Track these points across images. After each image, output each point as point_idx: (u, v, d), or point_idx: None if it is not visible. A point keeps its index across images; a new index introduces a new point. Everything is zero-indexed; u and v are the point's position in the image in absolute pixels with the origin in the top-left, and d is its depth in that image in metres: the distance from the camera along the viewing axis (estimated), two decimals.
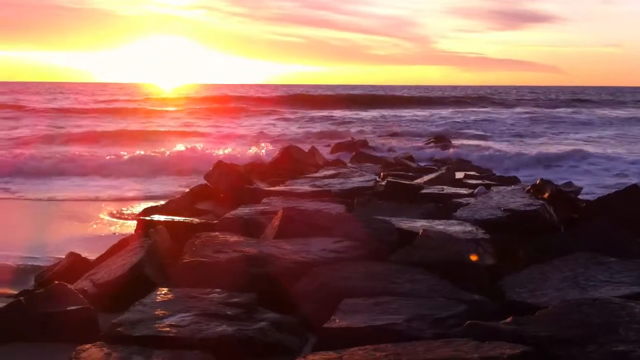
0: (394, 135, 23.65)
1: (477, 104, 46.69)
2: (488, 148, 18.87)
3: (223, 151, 16.11)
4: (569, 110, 39.59)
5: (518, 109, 39.46)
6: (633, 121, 31.84)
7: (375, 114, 34.70)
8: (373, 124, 28.83)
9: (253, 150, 16.56)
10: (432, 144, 19.71)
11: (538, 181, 6.87)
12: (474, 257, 4.64)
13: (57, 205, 10.23)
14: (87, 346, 3.33)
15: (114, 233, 7.56)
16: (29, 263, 6.12)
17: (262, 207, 6.62)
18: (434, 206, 6.63)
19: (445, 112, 36.94)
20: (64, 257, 5.76)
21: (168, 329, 3.45)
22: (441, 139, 20.48)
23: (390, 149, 17.56)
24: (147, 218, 6.25)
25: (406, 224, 5.45)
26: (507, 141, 23.12)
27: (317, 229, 5.18)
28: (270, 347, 3.49)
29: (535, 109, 40.15)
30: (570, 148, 18.45)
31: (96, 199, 10.67)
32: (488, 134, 25.64)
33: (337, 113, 34.09)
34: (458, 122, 30.01)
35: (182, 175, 13.19)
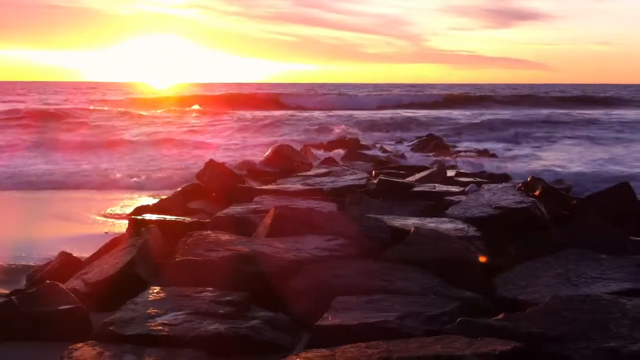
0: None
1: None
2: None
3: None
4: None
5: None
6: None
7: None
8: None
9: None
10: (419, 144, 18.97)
11: (529, 178, 6.90)
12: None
13: (48, 204, 10.20)
14: (79, 345, 3.32)
15: (106, 232, 7.53)
16: (20, 262, 6.09)
17: (254, 206, 6.62)
18: (425, 204, 6.65)
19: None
20: (55, 256, 5.74)
21: (160, 327, 3.45)
22: (432, 141, 19.60)
23: (382, 148, 17.56)
24: (139, 217, 6.24)
25: (398, 221, 5.47)
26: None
27: (309, 227, 5.19)
28: (263, 345, 3.49)
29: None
30: None
31: (87, 198, 10.63)
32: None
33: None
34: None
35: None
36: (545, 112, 32.33)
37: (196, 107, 36.28)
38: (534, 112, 32.90)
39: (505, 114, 30.75)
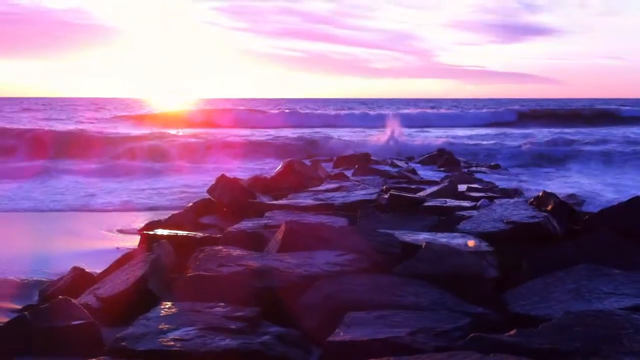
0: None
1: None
2: None
3: None
4: None
5: None
6: None
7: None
8: None
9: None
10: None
11: (541, 193, 6.87)
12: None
13: (60, 221, 10.24)
14: None
15: (118, 247, 7.56)
16: (33, 278, 6.13)
17: (265, 221, 6.63)
18: (437, 219, 6.64)
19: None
20: (67, 271, 5.77)
21: (172, 343, 3.46)
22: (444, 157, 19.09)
23: (392, 163, 17.54)
24: (151, 232, 6.27)
25: (409, 236, 5.46)
26: None
27: (320, 242, 5.19)
28: None
29: None
30: None
31: (99, 215, 10.67)
32: None
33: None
34: None
35: None
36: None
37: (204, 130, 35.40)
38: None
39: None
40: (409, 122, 39.47)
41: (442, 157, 18.75)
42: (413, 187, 9.98)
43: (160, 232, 6.28)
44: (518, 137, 28.50)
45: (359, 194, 8.68)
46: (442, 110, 51.10)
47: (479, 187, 10.37)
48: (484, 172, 16.27)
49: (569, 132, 30.00)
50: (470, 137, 29.10)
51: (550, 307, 4.01)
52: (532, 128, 34.91)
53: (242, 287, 4.32)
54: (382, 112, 47.90)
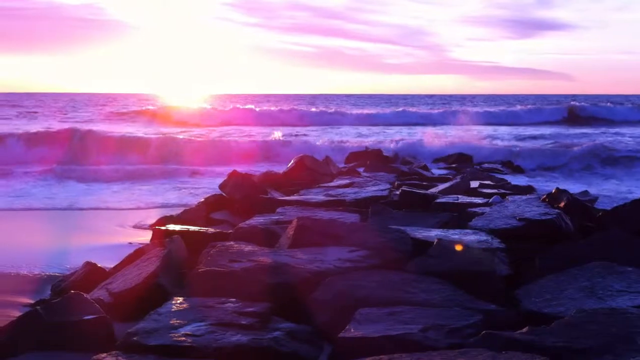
0: None
1: None
2: None
3: None
4: None
5: None
6: None
7: None
8: None
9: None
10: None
11: (554, 190, 6.84)
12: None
13: (73, 215, 10.29)
14: (103, 355, 3.34)
15: (130, 243, 7.58)
16: (46, 272, 6.16)
17: (276, 217, 6.64)
18: (448, 215, 6.62)
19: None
20: (80, 266, 5.79)
21: (183, 338, 3.47)
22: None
23: (404, 160, 17.49)
24: (163, 228, 6.29)
25: (421, 233, 5.45)
26: None
27: (331, 238, 5.19)
28: (285, 356, 3.49)
29: None
30: None
31: (112, 211, 10.71)
32: None
33: None
34: None
35: None
36: None
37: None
38: None
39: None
40: (435, 120, 39.37)
41: (454, 154, 18.69)
42: (425, 183, 9.96)
43: (172, 227, 6.30)
44: (549, 136, 28.14)
45: (371, 190, 8.67)
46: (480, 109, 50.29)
47: (491, 183, 10.33)
48: (500, 172, 16.01)
49: (596, 133, 29.68)
50: (490, 136, 28.82)
51: (562, 305, 3.99)
52: (560, 128, 34.63)
53: (254, 282, 4.33)
54: (393, 109, 47.76)
